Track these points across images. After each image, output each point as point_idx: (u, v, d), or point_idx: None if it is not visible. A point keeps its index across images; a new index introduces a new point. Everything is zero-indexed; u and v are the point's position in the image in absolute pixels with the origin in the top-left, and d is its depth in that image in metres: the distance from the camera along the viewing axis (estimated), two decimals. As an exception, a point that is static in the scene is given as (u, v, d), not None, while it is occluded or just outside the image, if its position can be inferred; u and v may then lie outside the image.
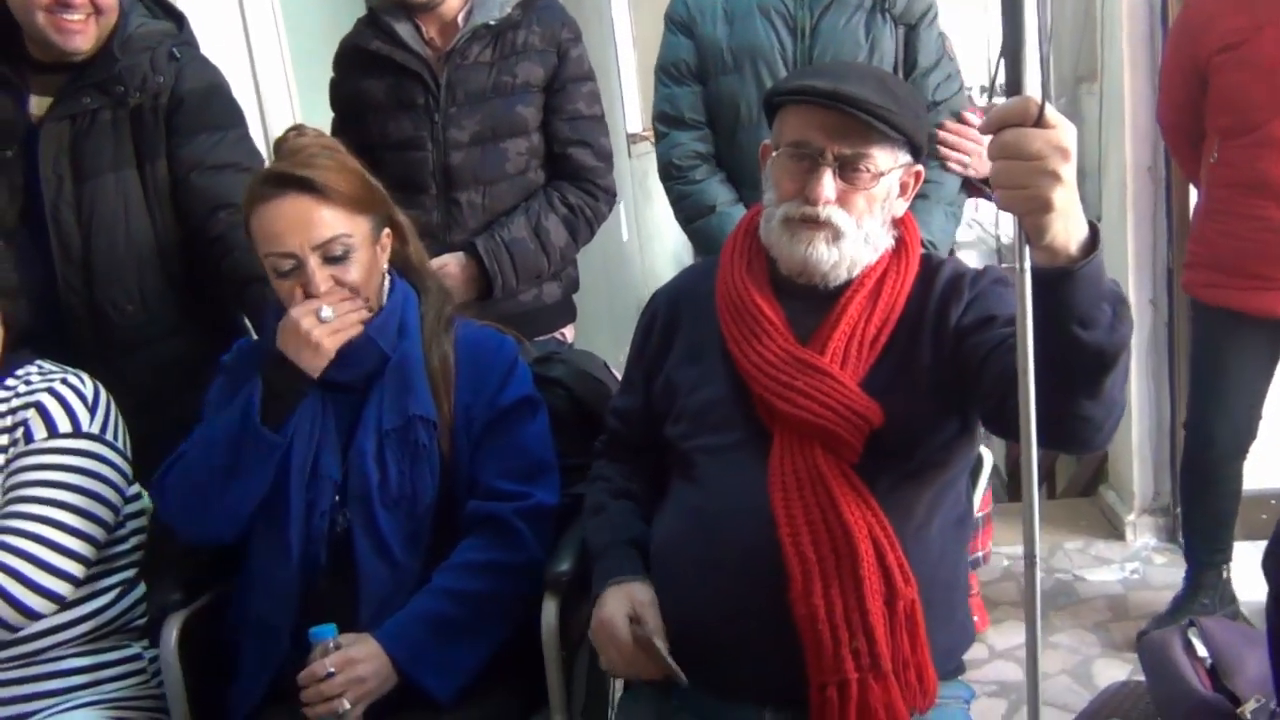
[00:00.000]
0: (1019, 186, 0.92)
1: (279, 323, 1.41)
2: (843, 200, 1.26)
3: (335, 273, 1.39)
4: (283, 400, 1.39)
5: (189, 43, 1.84)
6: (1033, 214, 0.93)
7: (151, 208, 1.75)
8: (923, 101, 1.36)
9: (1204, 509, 2.41)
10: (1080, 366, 1.01)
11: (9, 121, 1.70)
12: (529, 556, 1.42)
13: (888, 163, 1.27)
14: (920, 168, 1.34)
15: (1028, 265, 0.97)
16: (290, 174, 1.38)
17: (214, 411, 1.47)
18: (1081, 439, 1.09)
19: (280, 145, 1.46)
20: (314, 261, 1.37)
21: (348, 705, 1.29)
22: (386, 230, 1.48)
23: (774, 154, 1.31)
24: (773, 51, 1.93)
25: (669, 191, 2.07)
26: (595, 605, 1.31)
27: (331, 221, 1.38)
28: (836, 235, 1.26)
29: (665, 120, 2.05)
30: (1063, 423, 1.05)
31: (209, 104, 1.79)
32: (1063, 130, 0.91)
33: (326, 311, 1.36)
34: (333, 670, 1.29)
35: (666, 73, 2.05)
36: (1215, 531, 2.39)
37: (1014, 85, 0.93)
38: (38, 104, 1.72)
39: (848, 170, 1.25)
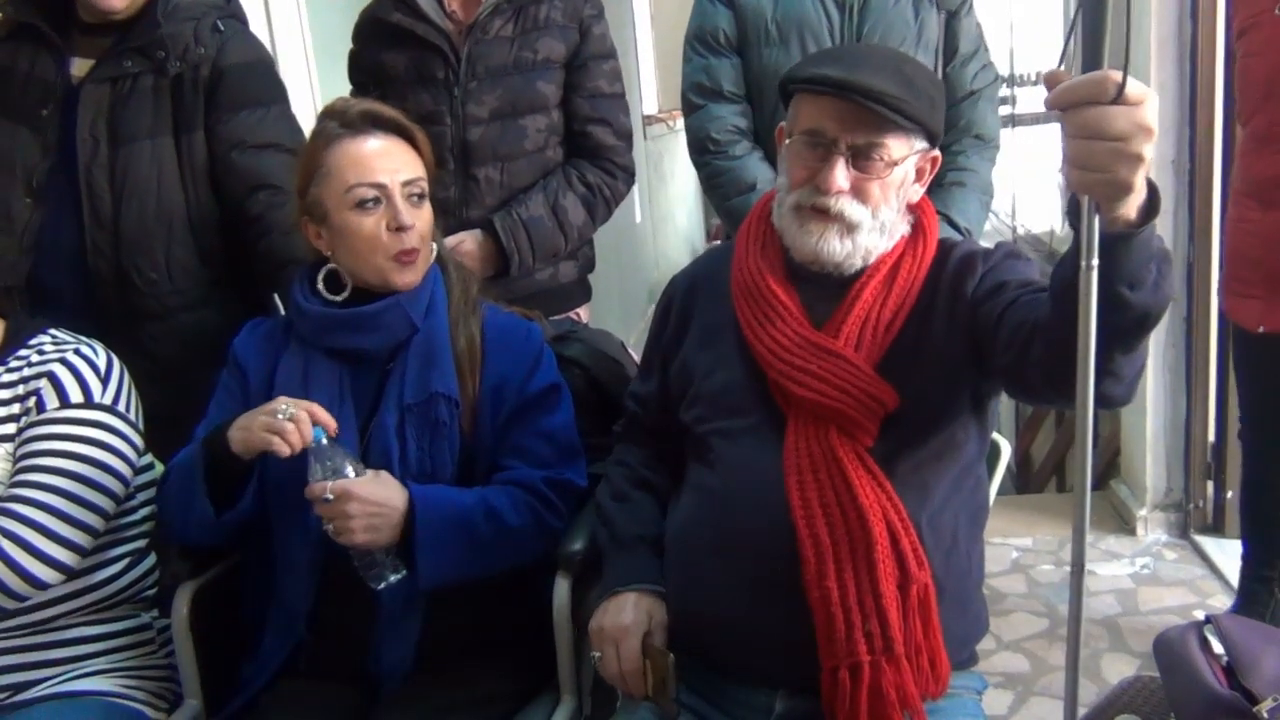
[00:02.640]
0: (1099, 169, 0.87)
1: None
2: (857, 189, 1.24)
3: (415, 213, 1.41)
4: (228, 479, 1.36)
5: (235, 15, 1.84)
6: (1111, 198, 0.89)
7: (185, 179, 1.75)
8: (940, 87, 1.33)
9: (1261, 524, 2.30)
10: (1122, 326, 0.99)
11: (48, 80, 1.71)
12: (560, 525, 1.42)
13: (902, 151, 1.25)
14: (937, 153, 1.32)
15: (1094, 262, 0.92)
16: (384, 115, 1.42)
17: (216, 406, 1.48)
18: (1108, 394, 1.07)
19: (335, 104, 1.46)
20: (400, 196, 1.39)
21: (330, 529, 1.29)
22: (428, 203, 1.48)
23: (787, 140, 1.30)
24: (820, 25, 1.91)
25: (703, 166, 2.02)
26: (609, 599, 1.31)
27: (415, 165, 1.43)
28: (850, 228, 1.25)
29: (702, 92, 2.00)
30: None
31: (251, 79, 1.79)
32: (1148, 105, 0.85)
33: (285, 408, 1.29)
34: (330, 497, 1.28)
35: (703, 42, 2.00)
36: (1272, 547, 2.29)
37: (1092, 60, 0.85)
38: (79, 65, 1.73)
39: (861, 159, 1.24)
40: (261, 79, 1.82)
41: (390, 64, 1.96)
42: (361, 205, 1.38)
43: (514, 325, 1.51)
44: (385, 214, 1.39)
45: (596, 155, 2.00)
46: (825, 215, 1.25)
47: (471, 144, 1.93)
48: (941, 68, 1.98)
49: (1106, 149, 0.86)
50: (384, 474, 1.33)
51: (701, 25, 2.01)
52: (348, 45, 2.08)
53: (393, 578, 1.33)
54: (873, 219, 1.25)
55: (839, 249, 1.26)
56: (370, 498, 1.29)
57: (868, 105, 1.20)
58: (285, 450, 1.28)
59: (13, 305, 1.67)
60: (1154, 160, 2.67)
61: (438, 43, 1.92)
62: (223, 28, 1.77)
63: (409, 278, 1.41)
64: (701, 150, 2.01)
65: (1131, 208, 0.91)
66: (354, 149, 1.39)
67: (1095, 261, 0.91)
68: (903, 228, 1.31)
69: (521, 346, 1.48)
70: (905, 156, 1.25)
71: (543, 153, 1.98)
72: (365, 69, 2.02)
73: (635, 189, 2.37)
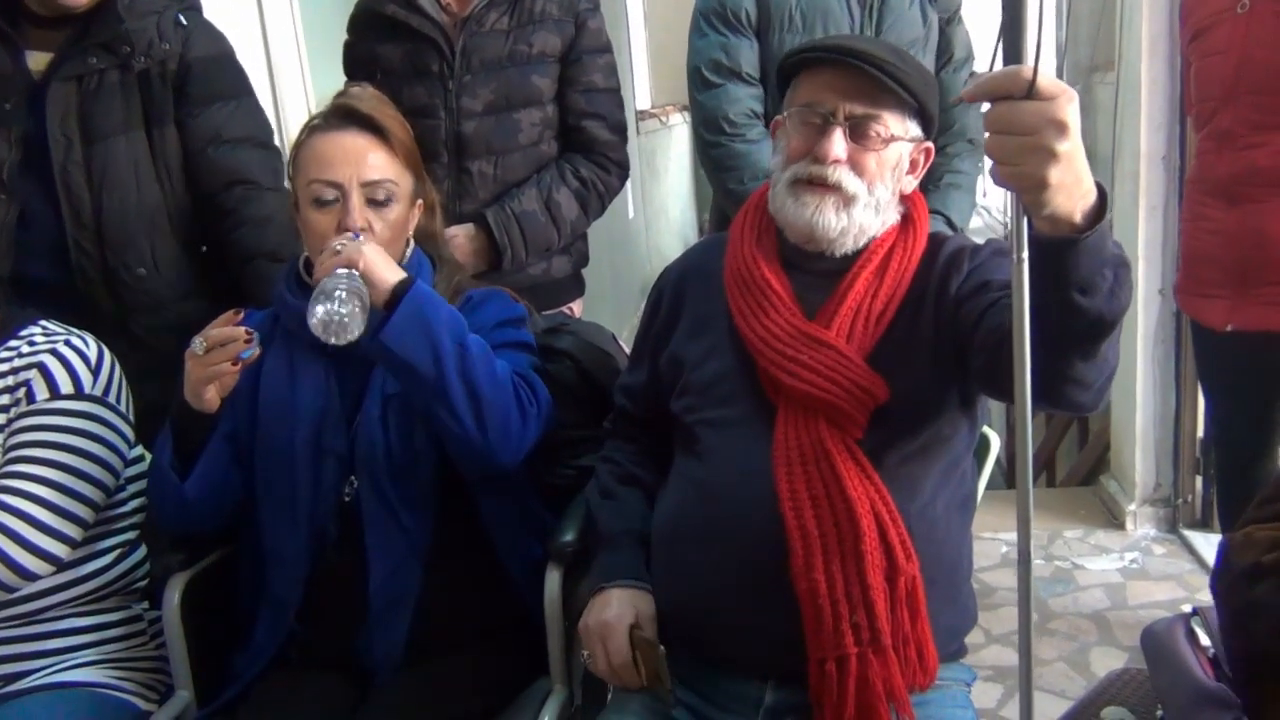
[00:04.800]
0: (1012, 163, 0.88)
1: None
2: (854, 162, 1.25)
3: (371, 216, 1.39)
4: (190, 437, 1.37)
5: (194, 8, 1.83)
6: (1027, 191, 0.90)
7: (160, 173, 1.75)
8: (931, 75, 1.35)
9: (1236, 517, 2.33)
10: (1076, 331, 1.00)
11: (5, 74, 1.69)
12: (533, 413, 1.38)
13: (898, 128, 1.27)
14: (930, 144, 1.33)
15: (1025, 255, 0.92)
16: (358, 110, 1.40)
17: None
18: (1073, 400, 1.08)
19: (342, 93, 1.46)
20: (357, 197, 1.37)
21: (339, 246, 1.28)
22: (419, 201, 1.48)
23: (784, 118, 1.31)
24: (842, 17, 1.93)
25: (714, 146, 1.99)
26: (594, 597, 1.31)
27: (384, 166, 1.40)
28: (847, 201, 1.26)
29: (719, 70, 1.98)
30: (1055, 384, 1.04)
31: (220, 72, 1.79)
32: (1060, 102, 0.86)
33: (196, 343, 1.29)
34: (357, 237, 1.31)
35: (722, 19, 1.98)
36: None
37: (1012, 54, 0.87)
38: (35, 59, 1.71)
39: (858, 132, 1.25)
40: (228, 72, 1.82)
41: (385, 56, 1.96)
42: (318, 202, 1.38)
43: (497, 294, 1.52)
44: (340, 213, 1.37)
45: (590, 150, 2.00)
46: (823, 186, 1.25)
47: (465, 137, 1.93)
48: (935, 72, 2.02)
49: (1017, 143, 0.87)
50: None
51: (723, 2, 1.99)
52: (340, 36, 2.07)
53: (352, 328, 1.24)
54: (868, 194, 1.26)
55: (834, 222, 1.26)
56: (385, 255, 1.31)
57: (865, 68, 1.22)
58: (252, 349, 1.28)
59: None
60: (1145, 156, 2.71)
61: (432, 35, 1.92)
62: (185, 21, 1.77)
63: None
64: (716, 130, 1.98)
65: (1072, 210, 0.91)
66: (321, 144, 1.39)
67: (1025, 255, 0.92)
68: (894, 215, 1.31)
69: (501, 310, 1.48)
70: (901, 136, 1.27)
71: (537, 147, 1.98)
72: (360, 61, 2.02)
73: (628, 185, 2.37)
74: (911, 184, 1.33)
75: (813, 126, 1.26)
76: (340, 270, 1.26)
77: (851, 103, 1.24)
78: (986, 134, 0.90)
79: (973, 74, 2.07)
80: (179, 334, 1.73)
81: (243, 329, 1.30)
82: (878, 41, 1.27)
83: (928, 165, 1.35)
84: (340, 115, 1.40)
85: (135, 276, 1.72)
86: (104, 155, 1.70)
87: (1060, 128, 0.86)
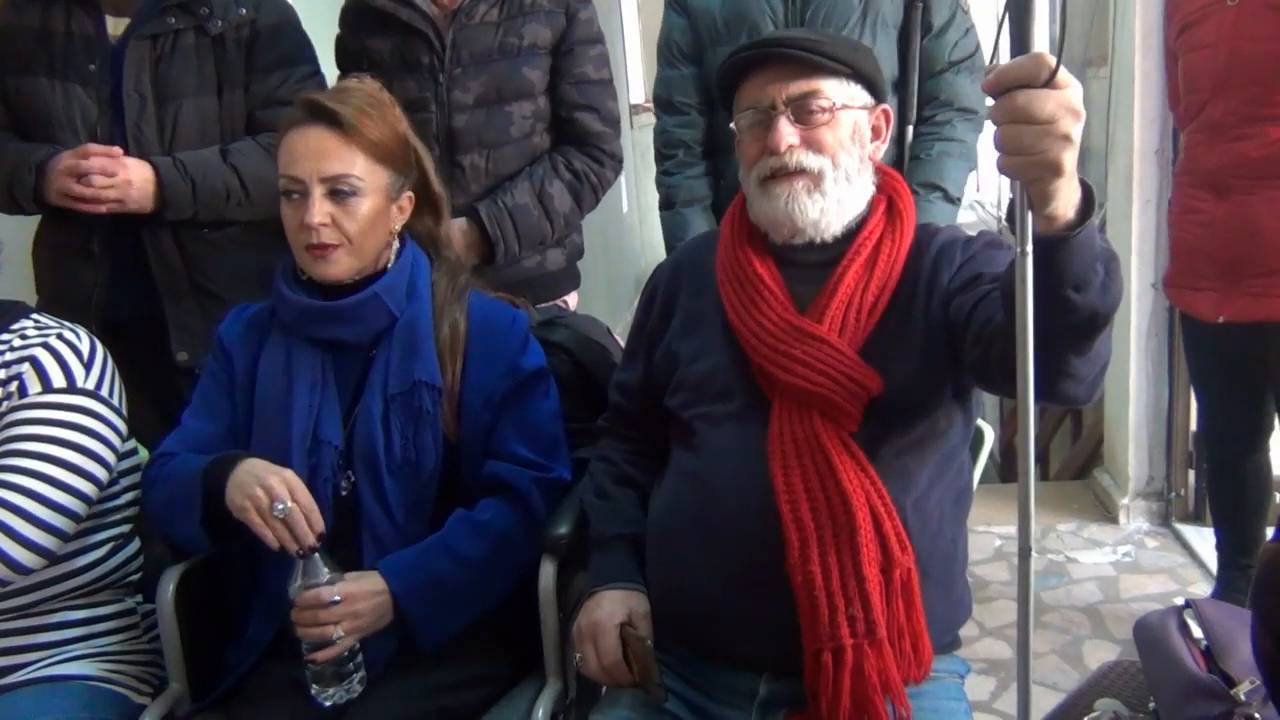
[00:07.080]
0: (1028, 152, 0.88)
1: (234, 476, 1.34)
2: (809, 142, 1.27)
3: (336, 211, 1.38)
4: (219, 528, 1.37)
5: None
6: (1041, 180, 0.90)
7: (224, 136, 1.84)
8: (864, 44, 1.36)
9: (1231, 511, 2.33)
10: (1072, 327, 1.00)
11: (89, 36, 1.77)
12: (540, 529, 1.42)
13: (840, 96, 1.28)
14: (886, 107, 1.35)
15: (1029, 248, 0.92)
16: (322, 105, 1.39)
17: (201, 394, 1.48)
18: (1067, 394, 1.09)
19: (336, 88, 1.48)
20: (318, 192, 1.37)
21: (341, 634, 1.29)
22: (408, 194, 1.47)
23: (736, 130, 1.33)
24: (764, 17, 1.92)
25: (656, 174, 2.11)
26: (587, 601, 1.32)
27: (346, 160, 1.38)
28: (816, 182, 1.27)
29: (658, 103, 2.08)
30: (1049, 379, 1.04)
31: (293, 37, 1.90)
32: (1075, 89, 0.87)
33: (281, 507, 1.28)
34: (337, 599, 1.29)
35: (661, 54, 2.07)
36: (1243, 534, 2.30)
37: (1021, 43, 0.87)
38: (112, 24, 1.80)
39: (802, 112, 1.27)
40: (297, 35, 1.92)
41: (376, 49, 1.95)
42: (285, 196, 1.39)
43: (499, 312, 1.50)
44: (301, 207, 1.37)
45: (583, 142, 2.00)
46: (787, 175, 1.27)
47: (456, 131, 1.92)
48: (919, 42, 1.97)
49: (1034, 131, 0.87)
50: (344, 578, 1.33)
51: (663, 37, 2.07)
52: (332, 30, 2.07)
53: (356, 688, 1.33)
54: (834, 167, 1.27)
55: (810, 206, 1.27)
56: (373, 588, 1.33)
57: (786, 53, 1.25)
58: (275, 545, 1.29)
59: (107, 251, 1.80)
60: (1138, 151, 2.72)
61: (422, 28, 1.91)
62: None
63: (326, 270, 1.39)
64: (657, 158, 2.10)
65: (1068, 206, 0.92)
66: (289, 140, 1.39)
67: (1030, 248, 0.92)
68: (870, 184, 1.32)
69: (507, 333, 1.48)
70: (846, 103, 1.28)
71: (529, 140, 1.97)
72: (350, 54, 2.01)
73: (622, 178, 2.38)
74: (880, 149, 1.34)
75: (760, 125, 1.28)
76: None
77: (785, 87, 1.26)
78: (998, 125, 0.89)
79: (960, 42, 1.98)
80: (245, 282, 1.80)
81: (314, 537, 1.30)
82: (794, 29, 1.30)
83: (890, 128, 1.36)
84: (306, 111, 1.40)
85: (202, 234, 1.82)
86: (176, 115, 1.79)
87: (1076, 114, 0.87)
